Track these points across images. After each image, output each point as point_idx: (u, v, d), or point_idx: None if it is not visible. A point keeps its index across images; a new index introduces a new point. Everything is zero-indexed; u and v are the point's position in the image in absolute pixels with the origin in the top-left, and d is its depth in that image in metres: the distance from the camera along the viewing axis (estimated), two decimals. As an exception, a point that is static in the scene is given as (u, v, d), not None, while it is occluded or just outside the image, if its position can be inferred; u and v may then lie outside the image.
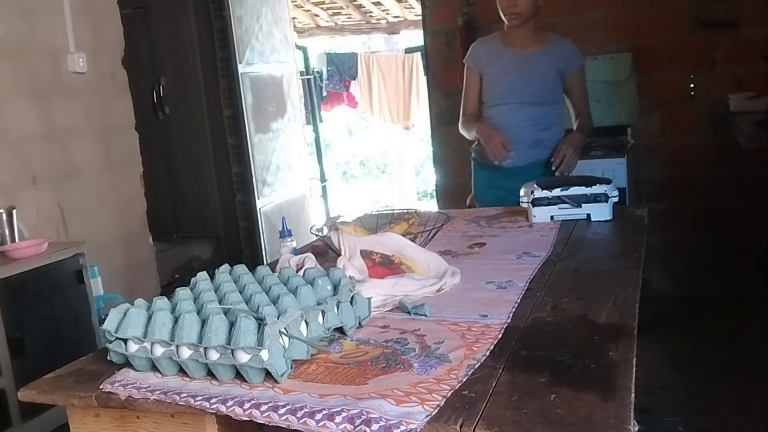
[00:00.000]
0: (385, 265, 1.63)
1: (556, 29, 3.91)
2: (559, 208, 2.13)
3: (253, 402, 1.05)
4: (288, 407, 1.02)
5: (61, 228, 3.42)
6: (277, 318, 1.17)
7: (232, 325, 1.16)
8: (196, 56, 4.88)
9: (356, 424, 0.95)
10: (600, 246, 1.91)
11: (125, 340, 1.21)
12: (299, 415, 1.00)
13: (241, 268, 1.52)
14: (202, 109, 4.95)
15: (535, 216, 2.16)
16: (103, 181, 3.68)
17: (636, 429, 0.91)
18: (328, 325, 1.28)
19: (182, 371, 1.19)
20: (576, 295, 1.45)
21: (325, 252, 1.89)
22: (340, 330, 1.32)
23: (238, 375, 1.14)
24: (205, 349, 1.14)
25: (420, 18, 4.40)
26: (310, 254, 1.70)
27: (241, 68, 4.78)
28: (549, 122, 2.61)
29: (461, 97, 2.78)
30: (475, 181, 2.85)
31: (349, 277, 1.44)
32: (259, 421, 1.03)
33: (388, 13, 7.68)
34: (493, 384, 1.04)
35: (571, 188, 2.13)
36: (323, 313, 1.28)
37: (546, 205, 2.14)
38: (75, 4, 3.50)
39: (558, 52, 2.61)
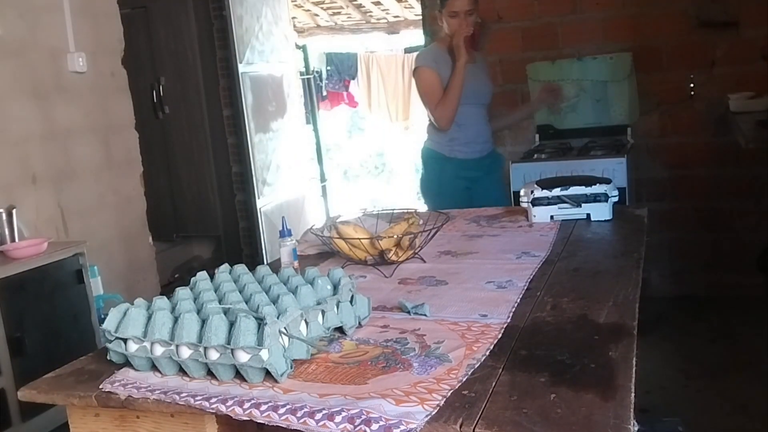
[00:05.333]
0: None
1: (557, 29, 3.96)
2: (559, 208, 2.13)
3: (252, 402, 1.05)
4: (288, 407, 1.02)
5: (61, 228, 3.41)
6: (277, 318, 1.17)
7: (232, 324, 1.16)
8: (196, 56, 4.88)
9: (356, 424, 0.95)
10: (600, 246, 1.91)
11: (125, 340, 1.22)
12: (299, 414, 1.00)
13: (240, 268, 1.52)
14: (202, 108, 4.94)
15: (534, 216, 2.16)
16: (103, 181, 3.68)
17: (636, 429, 0.91)
18: (328, 325, 1.28)
19: (182, 371, 1.19)
20: (576, 294, 1.45)
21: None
22: (340, 330, 1.32)
23: (238, 375, 1.14)
24: (205, 348, 1.14)
25: (420, 18, 4.40)
26: None
27: (241, 68, 4.77)
28: (488, 120, 3.13)
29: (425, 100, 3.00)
30: (439, 174, 3.08)
31: None
32: (258, 421, 1.03)
33: (388, 13, 7.67)
34: (493, 384, 1.04)
35: (571, 188, 2.12)
36: (323, 312, 1.28)
37: (546, 205, 2.14)
38: (75, 3, 3.50)
39: (484, 64, 3.18)
